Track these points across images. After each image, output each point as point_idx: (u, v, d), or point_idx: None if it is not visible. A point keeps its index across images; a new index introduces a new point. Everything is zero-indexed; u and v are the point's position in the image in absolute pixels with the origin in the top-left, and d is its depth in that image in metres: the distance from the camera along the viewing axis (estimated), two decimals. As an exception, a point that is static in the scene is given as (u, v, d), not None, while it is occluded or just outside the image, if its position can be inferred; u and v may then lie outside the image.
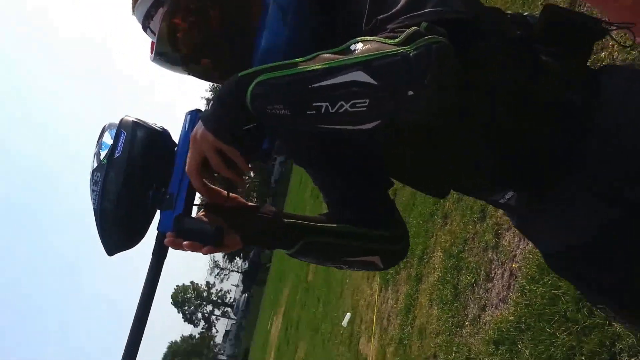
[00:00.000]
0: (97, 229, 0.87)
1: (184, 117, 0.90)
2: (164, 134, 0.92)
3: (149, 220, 0.89)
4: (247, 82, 0.74)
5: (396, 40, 0.71)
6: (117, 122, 0.91)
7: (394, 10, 0.78)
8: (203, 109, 0.89)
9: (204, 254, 0.86)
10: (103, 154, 0.88)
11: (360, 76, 0.68)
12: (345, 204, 1.02)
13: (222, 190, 0.89)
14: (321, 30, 0.88)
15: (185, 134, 0.88)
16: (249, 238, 0.89)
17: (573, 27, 0.88)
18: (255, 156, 0.84)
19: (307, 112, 0.71)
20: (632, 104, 0.81)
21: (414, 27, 0.73)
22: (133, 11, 0.94)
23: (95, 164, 0.88)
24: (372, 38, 0.73)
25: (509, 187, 0.91)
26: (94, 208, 0.87)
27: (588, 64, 0.91)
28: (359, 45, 0.72)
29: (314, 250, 0.94)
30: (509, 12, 0.94)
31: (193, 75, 0.97)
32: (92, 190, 0.87)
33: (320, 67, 0.70)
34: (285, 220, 0.91)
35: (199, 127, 0.80)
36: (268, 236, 0.91)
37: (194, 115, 0.89)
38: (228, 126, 0.77)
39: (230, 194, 0.91)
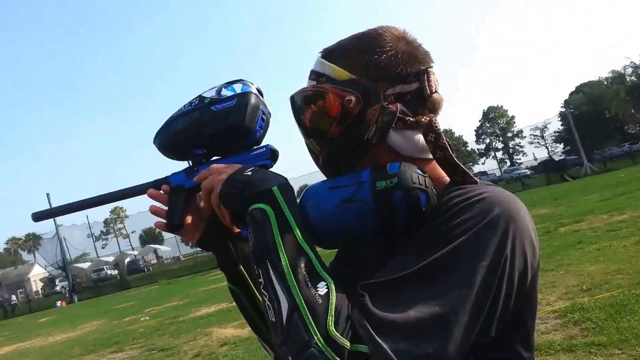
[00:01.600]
0: (163, 124, 1.02)
1: (265, 144, 1.01)
2: (254, 131, 0.99)
3: (181, 160, 1.05)
4: (267, 198, 0.80)
5: (331, 329, 0.69)
6: (251, 85, 1.00)
7: (374, 310, 0.71)
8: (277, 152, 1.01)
9: (155, 225, 1.04)
10: (224, 93, 0.98)
11: (285, 306, 0.72)
12: None
13: None
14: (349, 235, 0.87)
15: (251, 155, 0.99)
16: (202, 246, 1.03)
17: None
18: (234, 226, 0.94)
19: (254, 267, 0.78)
20: None
21: (360, 350, 0.68)
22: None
23: (207, 94, 0.99)
24: (332, 300, 0.72)
25: None
26: (174, 113, 1.01)
27: None
28: (322, 289, 0.73)
29: (237, 302, 1.05)
30: None
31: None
32: (184, 105, 1.00)
33: (284, 262, 0.74)
34: (241, 266, 1.02)
35: (224, 172, 0.89)
36: (219, 261, 1.03)
37: (264, 152, 0.99)
38: (231, 200, 0.86)
39: None
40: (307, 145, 0.96)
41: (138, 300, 21.56)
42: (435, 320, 0.69)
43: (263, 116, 0.99)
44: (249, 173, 0.85)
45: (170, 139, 1.01)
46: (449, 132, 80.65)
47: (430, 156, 0.88)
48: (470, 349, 0.73)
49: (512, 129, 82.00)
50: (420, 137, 0.87)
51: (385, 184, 0.79)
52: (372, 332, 0.68)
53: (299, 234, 0.77)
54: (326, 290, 0.73)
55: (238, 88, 0.98)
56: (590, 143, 52.67)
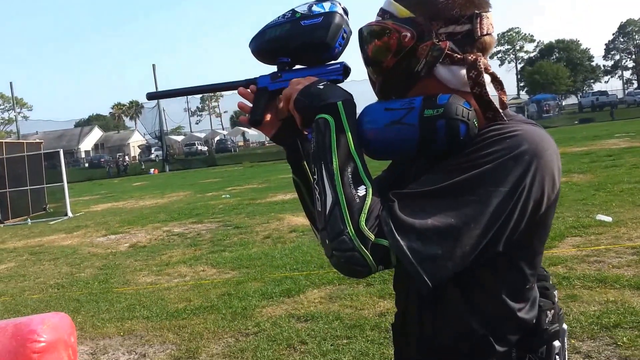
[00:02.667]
0: (259, 30, 1.18)
1: (340, 62, 1.13)
2: (334, 47, 1.11)
3: (270, 64, 1.20)
4: (332, 110, 0.97)
5: (364, 224, 0.88)
6: (338, 4, 1.12)
7: (399, 214, 0.88)
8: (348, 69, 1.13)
9: (239, 119, 1.25)
10: (314, 9, 1.11)
11: (329, 200, 0.91)
12: None
13: None
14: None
15: (326, 69, 1.13)
16: (276, 141, 1.22)
17: None
18: (303, 129, 1.09)
19: (312, 165, 0.98)
20: None
21: (381, 243, 0.87)
22: None
23: (299, 9, 1.13)
24: (367, 201, 0.90)
25: None
26: (269, 23, 1.17)
27: None
28: (362, 192, 0.91)
29: (297, 191, 1.23)
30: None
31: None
32: (278, 17, 1.16)
33: (335, 165, 0.92)
34: (305, 162, 1.18)
35: (301, 83, 1.06)
36: (287, 155, 1.21)
37: (337, 68, 1.12)
38: (303, 107, 1.02)
39: None
40: (367, 73, 1.10)
41: (222, 178, 23.12)
42: (449, 229, 0.87)
43: (344, 34, 1.12)
44: (321, 87, 1.03)
45: (262, 45, 1.16)
46: (574, 43, 74.19)
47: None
48: (482, 260, 0.92)
49: (650, 47, 74.05)
50: (465, 73, 0.98)
51: (432, 112, 0.93)
52: (394, 230, 0.87)
53: (352, 143, 0.95)
54: (364, 192, 0.91)
55: (327, 6, 1.11)
56: None
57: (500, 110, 0.97)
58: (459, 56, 0.98)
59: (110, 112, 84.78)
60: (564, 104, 52.01)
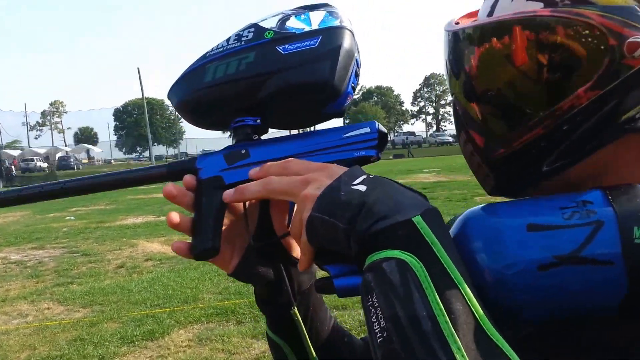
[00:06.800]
0: (190, 67, 0.59)
1: (369, 122, 0.58)
2: (344, 94, 0.57)
3: (217, 129, 0.63)
4: (407, 240, 0.40)
5: None
6: (340, 14, 0.57)
7: None
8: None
9: (173, 248, 0.56)
10: (293, 25, 0.56)
11: None
12: None
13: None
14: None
15: (346, 139, 0.57)
16: (239, 276, 0.60)
17: None
18: (320, 265, 0.51)
19: (379, 357, 0.38)
20: None
21: None
22: None
23: (267, 24, 0.57)
24: None
25: None
26: (209, 51, 0.58)
27: None
28: None
29: (276, 357, 0.68)
30: None
31: (456, 110, 0.59)
32: (229, 39, 0.57)
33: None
34: (301, 304, 0.63)
35: (316, 180, 0.48)
36: (258, 298, 0.64)
37: (369, 135, 0.57)
38: (329, 234, 0.45)
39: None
40: (460, 121, 0.57)
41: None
42: None
43: (357, 70, 0.58)
44: (360, 187, 0.45)
45: (200, 95, 0.57)
46: (389, 89, 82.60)
47: None
48: None
49: (446, 97, 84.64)
50: None
51: None
52: None
53: (482, 314, 0.38)
54: None
55: (317, 18, 0.56)
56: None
57: None
58: None
59: None
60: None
